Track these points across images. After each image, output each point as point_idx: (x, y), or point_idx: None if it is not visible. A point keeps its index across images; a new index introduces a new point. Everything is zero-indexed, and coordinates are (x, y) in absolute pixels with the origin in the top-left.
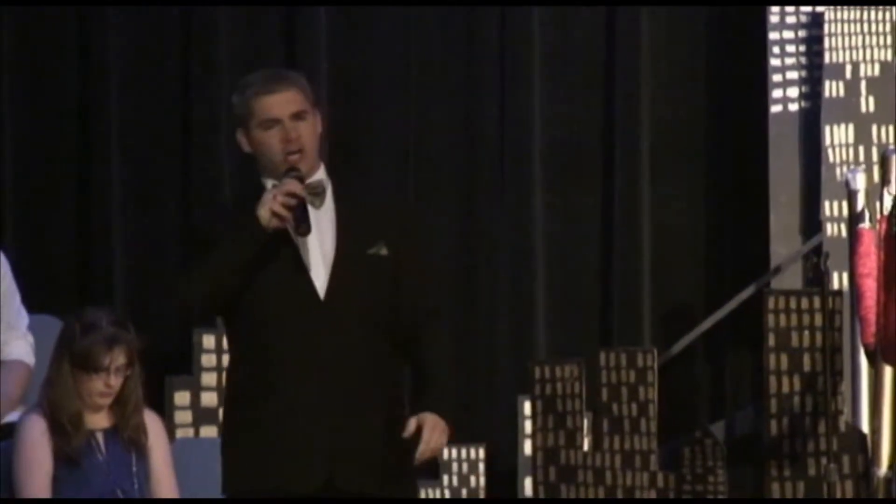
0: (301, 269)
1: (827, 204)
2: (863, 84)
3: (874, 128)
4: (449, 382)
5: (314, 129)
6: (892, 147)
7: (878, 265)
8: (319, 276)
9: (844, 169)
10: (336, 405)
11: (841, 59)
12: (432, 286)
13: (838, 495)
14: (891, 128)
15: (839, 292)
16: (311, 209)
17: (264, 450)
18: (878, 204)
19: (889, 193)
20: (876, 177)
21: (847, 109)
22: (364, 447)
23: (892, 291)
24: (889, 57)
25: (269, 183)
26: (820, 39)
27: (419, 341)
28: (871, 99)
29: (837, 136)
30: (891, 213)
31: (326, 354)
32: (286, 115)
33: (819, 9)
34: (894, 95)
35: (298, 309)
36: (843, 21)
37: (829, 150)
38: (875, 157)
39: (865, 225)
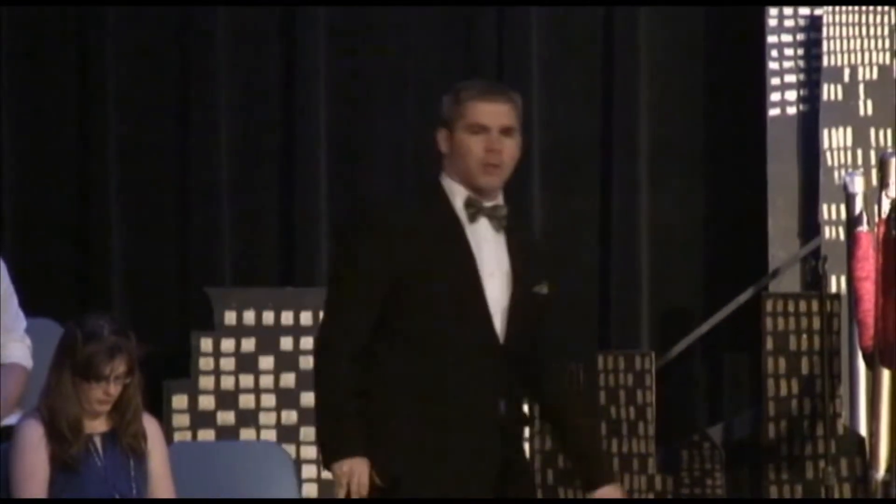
0: (485, 314)
1: (825, 207)
2: (861, 87)
3: (872, 131)
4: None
5: (516, 150)
6: (890, 150)
7: (876, 268)
8: (498, 320)
9: (843, 172)
10: (503, 440)
11: (839, 63)
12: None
13: (836, 498)
14: (889, 131)
15: (837, 296)
16: (487, 242)
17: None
18: (876, 207)
19: (887, 197)
20: (874, 180)
21: (845, 113)
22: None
23: (890, 295)
24: (887, 60)
25: (452, 185)
26: (818, 43)
27: (549, 377)
28: (870, 102)
29: (836, 140)
30: (889, 216)
31: (500, 391)
32: (496, 125)
33: (818, 12)
34: (893, 99)
35: (479, 353)
36: (841, 24)
37: (828, 154)
38: (873, 161)
39: (863, 228)
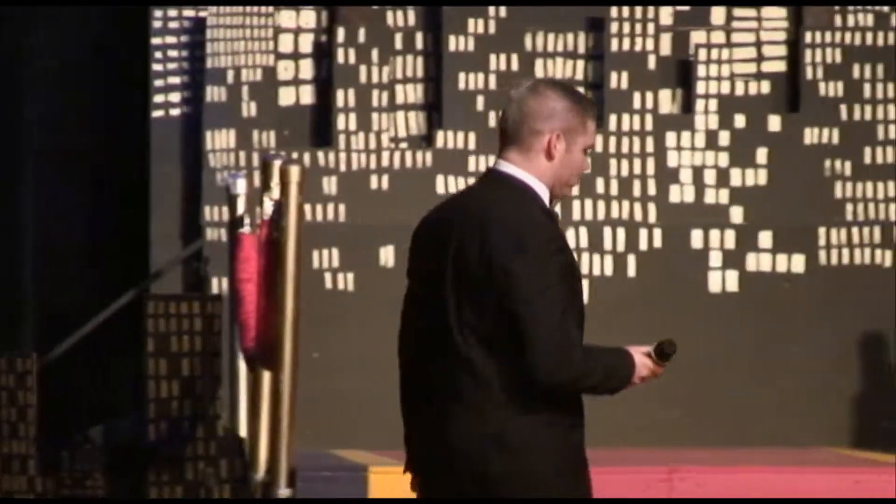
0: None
1: (207, 209)
2: (245, 89)
3: (256, 133)
4: None
5: None
6: (273, 152)
7: (258, 270)
8: None
9: (226, 174)
10: None
11: (223, 65)
12: None
13: (216, 498)
14: (272, 133)
15: (219, 297)
16: None
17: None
18: (258, 209)
19: (270, 199)
20: (257, 182)
21: (229, 114)
22: None
23: (271, 297)
24: (271, 62)
25: (540, 186)
26: (203, 45)
27: None
28: (254, 104)
29: (219, 141)
30: (271, 218)
31: None
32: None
33: (202, 14)
34: (276, 100)
35: None
36: (225, 27)
37: (211, 155)
38: (256, 162)
39: (246, 230)
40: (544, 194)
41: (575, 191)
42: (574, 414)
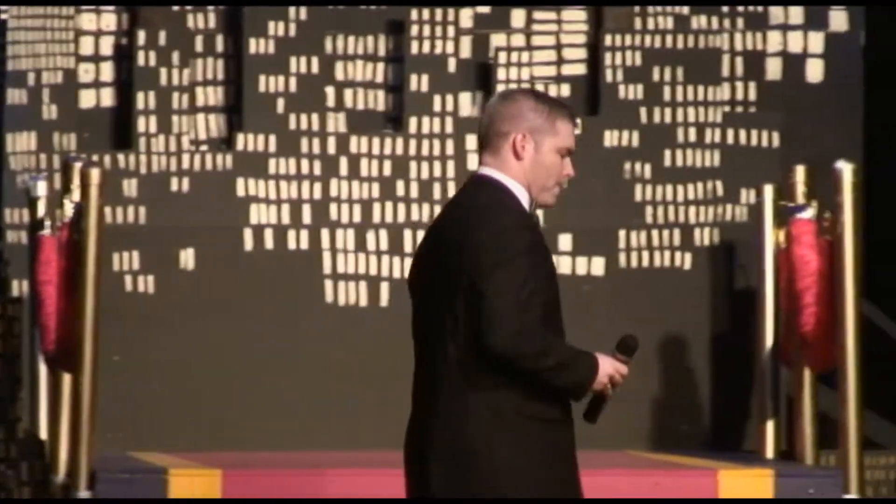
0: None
1: (8, 211)
2: (45, 91)
3: (56, 135)
4: None
5: None
6: (73, 154)
7: (58, 272)
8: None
9: (26, 176)
10: None
11: (24, 67)
12: None
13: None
14: (73, 136)
15: (19, 299)
16: None
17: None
18: (58, 211)
19: (70, 201)
20: (57, 184)
21: (29, 117)
22: None
23: (71, 299)
24: (72, 64)
25: (520, 189)
26: (3, 47)
27: None
28: (54, 107)
29: (20, 144)
30: (72, 220)
31: None
32: (572, 149)
33: (3, 17)
34: (76, 103)
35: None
36: (26, 29)
37: (11, 158)
38: (57, 165)
39: (46, 232)
40: (523, 195)
41: (374, 193)
42: (554, 410)
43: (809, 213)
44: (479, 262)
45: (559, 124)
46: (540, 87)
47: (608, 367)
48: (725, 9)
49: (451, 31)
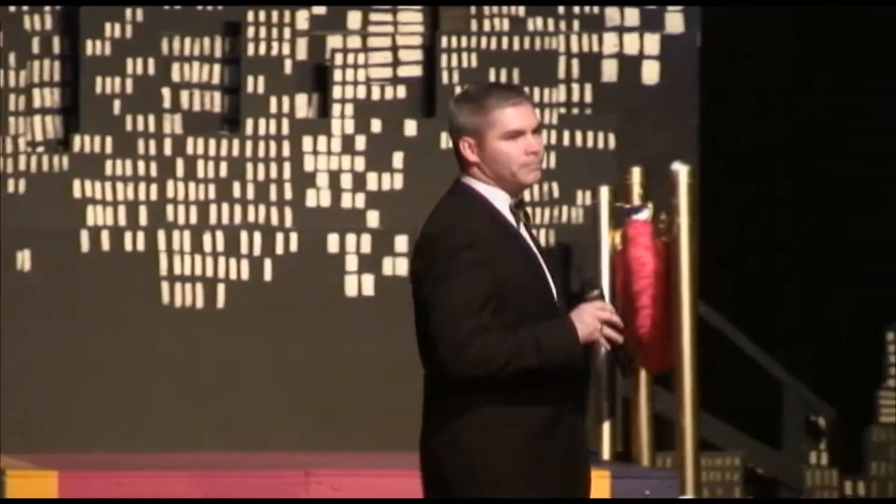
0: (547, 282)
1: None
2: None
3: None
4: None
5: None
6: None
7: None
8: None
9: None
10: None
11: None
12: None
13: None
14: None
15: None
16: (531, 244)
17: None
18: None
19: None
20: None
21: None
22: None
23: None
24: None
25: (490, 190)
26: None
27: None
28: None
29: None
30: None
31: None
32: (530, 127)
33: None
34: None
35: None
36: None
37: None
38: None
39: None
40: (495, 196)
41: (211, 195)
42: (536, 416)
43: (645, 215)
44: (416, 294)
45: (494, 114)
46: (376, 89)
47: (587, 316)
48: (561, 10)
49: (287, 32)
